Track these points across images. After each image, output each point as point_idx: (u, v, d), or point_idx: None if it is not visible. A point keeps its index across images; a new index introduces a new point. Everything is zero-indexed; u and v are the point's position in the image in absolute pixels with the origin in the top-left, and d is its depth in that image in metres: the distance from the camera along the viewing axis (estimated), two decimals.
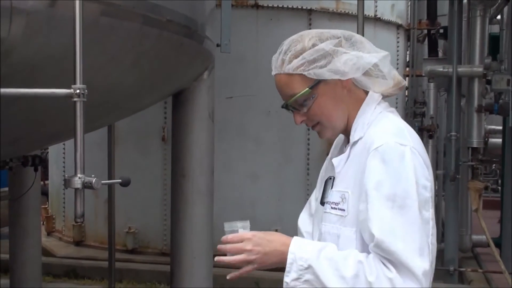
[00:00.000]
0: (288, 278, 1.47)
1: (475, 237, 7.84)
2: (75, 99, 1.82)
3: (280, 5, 6.66)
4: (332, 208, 1.58)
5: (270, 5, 6.65)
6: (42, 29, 1.98)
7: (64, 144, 7.12)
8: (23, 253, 5.04)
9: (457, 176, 6.78)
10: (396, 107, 8.27)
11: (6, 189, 5.48)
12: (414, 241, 1.41)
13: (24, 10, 1.85)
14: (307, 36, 1.59)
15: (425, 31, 8.60)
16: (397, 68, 8.34)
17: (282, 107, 1.63)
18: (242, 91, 6.60)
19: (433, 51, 9.01)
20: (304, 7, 6.72)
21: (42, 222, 6.95)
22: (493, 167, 12.70)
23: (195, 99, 3.89)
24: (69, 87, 1.83)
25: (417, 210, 1.42)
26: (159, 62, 3.01)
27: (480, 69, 6.63)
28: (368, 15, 6.91)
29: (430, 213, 1.45)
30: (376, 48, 1.62)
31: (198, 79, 3.88)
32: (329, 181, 1.65)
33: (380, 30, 7.53)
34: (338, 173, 1.60)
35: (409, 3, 8.19)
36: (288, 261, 1.47)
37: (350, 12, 6.79)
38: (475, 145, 6.74)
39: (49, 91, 1.80)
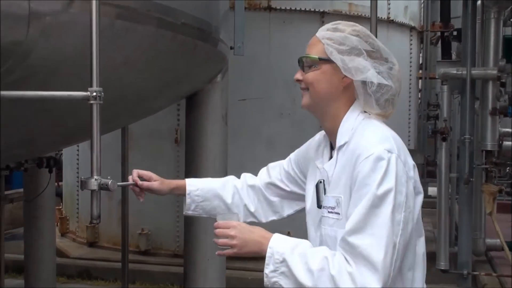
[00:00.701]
0: (267, 269, 1.63)
1: (489, 241, 7.77)
2: (91, 102, 1.84)
3: (293, 8, 6.66)
4: (329, 212, 1.74)
5: (283, 7, 6.65)
6: (59, 31, 2.00)
7: (78, 146, 7.17)
8: (37, 254, 5.09)
9: (471, 179, 6.73)
10: (409, 110, 8.25)
11: (21, 190, 5.53)
12: (381, 238, 1.56)
13: (41, 13, 1.88)
14: (353, 27, 1.77)
15: (439, 33, 8.56)
16: (410, 71, 8.32)
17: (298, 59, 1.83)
18: (255, 93, 6.61)
19: (446, 53, 8.95)
20: (317, 10, 6.71)
21: (56, 223, 7.00)
22: (507, 170, 12.55)
23: (209, 102, 3.91)
24: (85, 89, 1.86)
25: (390, 212, 1.58)
26: (173, 65, 3.03)
27: (494, 72, 6.57)
28: (381, 17, 6.90)
29: (402, 216, 1.60)
30: (395, 79, 1.75)
31: (212, 82, 3.90)
32: (320, 185, 1.80)
33: (393, 33, 7.50)
34: (331, 176, 1.75)
35: (422, 5, 8.16)
36: (267, 254, 1.64)
37: (363, 15, 6.77)
38: (489, 148, 6.68)
39: (66, 93, 1.82)
